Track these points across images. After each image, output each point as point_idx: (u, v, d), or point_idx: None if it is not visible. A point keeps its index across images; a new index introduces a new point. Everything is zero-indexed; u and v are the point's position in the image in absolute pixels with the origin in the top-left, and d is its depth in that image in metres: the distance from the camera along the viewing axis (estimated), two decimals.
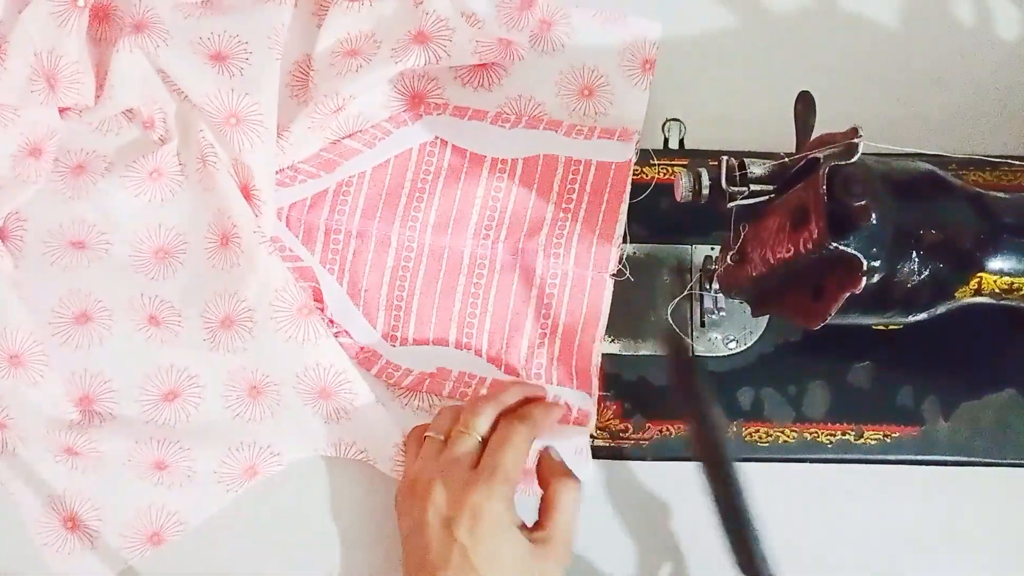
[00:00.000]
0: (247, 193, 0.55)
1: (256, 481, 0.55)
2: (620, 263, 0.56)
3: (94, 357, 0.56)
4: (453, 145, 0.58)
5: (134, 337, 0.56)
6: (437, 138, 0.58)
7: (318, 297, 0.56)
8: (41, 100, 0.55)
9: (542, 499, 0.49)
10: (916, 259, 0.43)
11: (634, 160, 0.56)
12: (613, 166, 0.57)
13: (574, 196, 0.57)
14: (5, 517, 0.55)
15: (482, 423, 0.49)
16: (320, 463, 0.56)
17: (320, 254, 0.57)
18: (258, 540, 0.55)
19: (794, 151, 0.46)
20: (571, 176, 0.57)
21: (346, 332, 0.56)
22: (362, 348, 0.56)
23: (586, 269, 0.56)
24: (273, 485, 0.55)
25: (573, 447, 0.53)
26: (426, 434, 0.51)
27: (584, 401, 0.54)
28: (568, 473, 0.50)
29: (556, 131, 0.58)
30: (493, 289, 0.57)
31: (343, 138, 0.58)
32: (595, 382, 0.54)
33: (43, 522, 0.55)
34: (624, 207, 0.56)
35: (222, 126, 0.55)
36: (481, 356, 0.56)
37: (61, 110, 0.57)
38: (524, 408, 0.51)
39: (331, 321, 0.56)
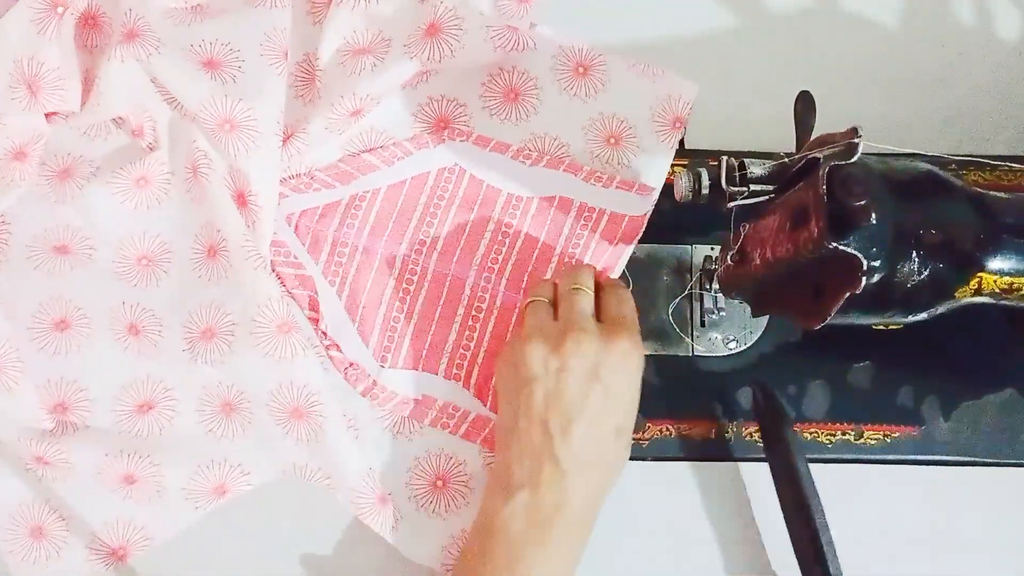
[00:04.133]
0: (243, 200, 0.55)
1: (226, 500, 0.54)
2: None
3: (71, 365, 0.55)
4: (471, 175, 0.58)
5: (113, 346, 0.55)
6: (456, 165, 0.58)
7: (314, 307, 0.56)
8: (23, 107, 0.55)
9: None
10: (916, 259, 0.43)
11: (648, 215, 0.56)
12: (627, 218, 0.56)
13: (581, 242, 0.57)
14: None
15: (591, 281, 0.52)
16: (291, 485, 0.55)
17: (324, 264, 0.57)
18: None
19: (794, 151, 0.46)
20: (583, 222, 0.57)
21: (337, 346, 0.56)
22: (352, 364, 0.55)
23: None
24: (243, 504, 0.55)
25: None
26: (530, 299, 0.52)
27: None
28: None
29: (575, 175, 0.57)
30: (491, 324, 0.56)
31: (362, 152, 0.58)
32: None
33: (9, 529, 0.54)
34: (626, 255, 0.56)
35: (216, 132, 0.55)
36: (468, 389, 0.56)
37: (48, 115, 0.57)
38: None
39: (324, 333, 0.56)
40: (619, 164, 0.57)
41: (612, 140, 0.57)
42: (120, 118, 0.57)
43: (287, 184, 0.57)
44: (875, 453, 0.54)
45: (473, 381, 0.56)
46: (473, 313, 0.56)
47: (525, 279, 0.57)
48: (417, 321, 0.56)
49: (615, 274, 0.56)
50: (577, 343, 0.48)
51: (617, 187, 0.57)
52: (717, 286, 0.53)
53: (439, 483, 0.54)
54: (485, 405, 0.55)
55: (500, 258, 0.57)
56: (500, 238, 0.57)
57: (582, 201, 0.57)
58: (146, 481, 0.54)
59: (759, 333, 0.56)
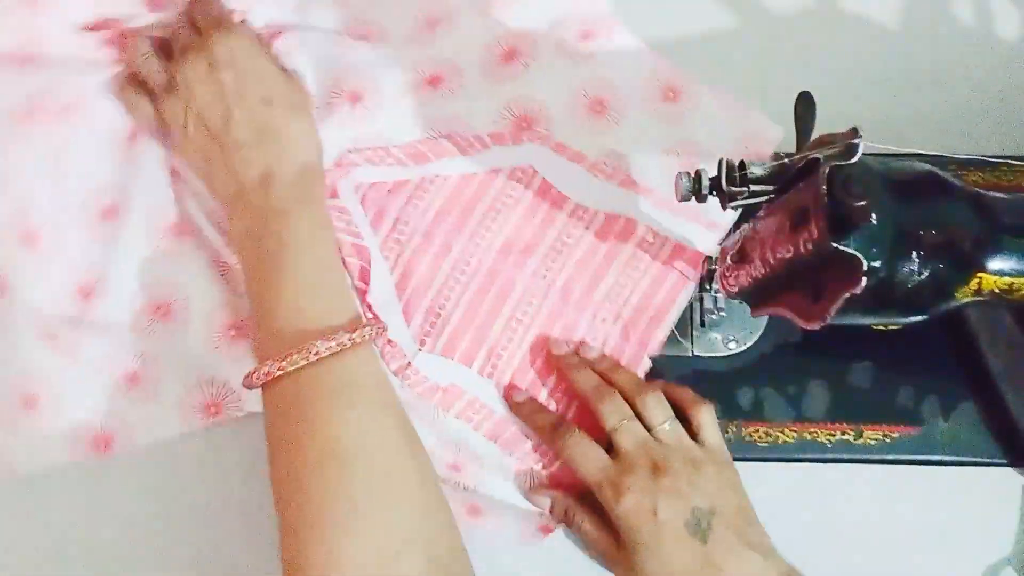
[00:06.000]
0: None
1: (215, 422, 0.55)
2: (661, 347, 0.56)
3: (108, 253, 0.56)
4: (543, 178, 0.58)
5: (151, 244, 0.56)
6: (531, 166, 0.58)
7: (364, 278, 0.55)
8: None
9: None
10: (916, 259, 0.43)
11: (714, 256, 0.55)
12: (689, 250, 0.56)
13: (641, 267, 0.56)
14: None
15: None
16: None
17: (382, 239, 0.57)
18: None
19: (794, 151, 0.46)
20: (646, 246, 0.57)
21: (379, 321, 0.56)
22: (390, 341, 0.55)
23: (627, 343, 0.56)
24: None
25: None
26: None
27: None
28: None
29: (647, 197, 0.57)
30: (533, 329, 0.56)
31: (441, 136, 0.59)
32: None
33: (3, 394, 0.54)
34: (684, 298, 0.56)
35: None
36: (499, 389, 0.56)
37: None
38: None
39: (368, 306, 0.55)
40: None
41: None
42: None
43: (362, 154, 0.58)
44: (875, 453, 0.54)
45: (504, 381, 0.56)
46: (518, 316, 0.56)
47: (576, 291, 0.56)
48: (463, 312, 0.56)
49: (670, 316, 0.56)
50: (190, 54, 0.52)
51: (686, 218, 0.56)
52: (717, 286, 0.53)
53: (452, 470, 0.54)
54: (509, 408, 0.55)
55: (555, 266, 0.57)
56: (559, 246, 0.57)
57: (648, 225, 0.57)
58: (147, 384, 0.55)
59: (759, 333, 0.56)
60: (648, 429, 0.51)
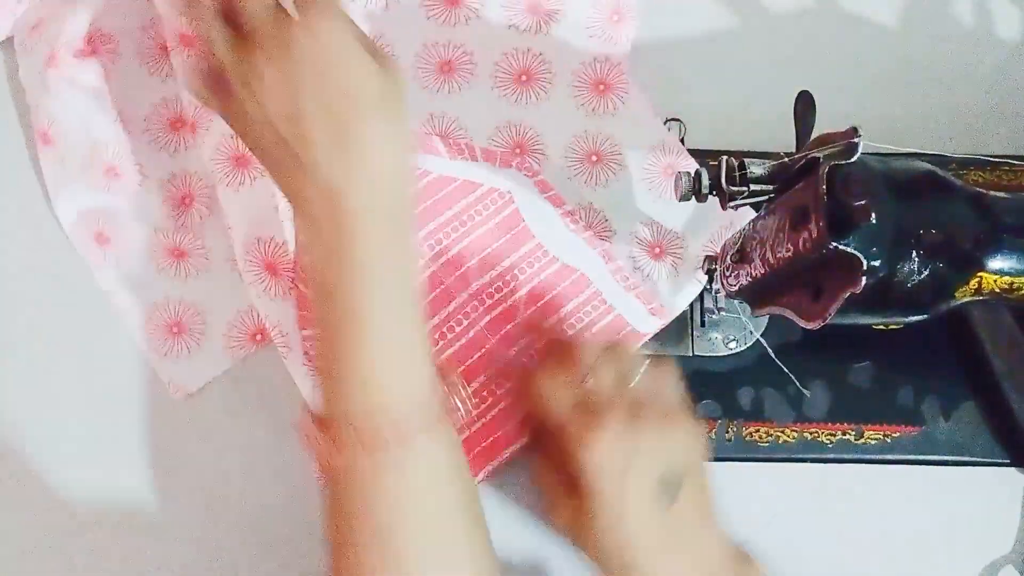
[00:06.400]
0: None
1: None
2: None
3: (191, 159, 0.58)
4: (516, 208, 0.57)
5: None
6: (509, 193, 0.57)
7: None
8: None
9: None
10: (916, 259, 0.43)
11: (648, 337, 0.55)
12: (629, 328, 0.55)
13: (576, 326, 0.56)
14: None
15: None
16: None
17: None
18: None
19: (794, 151, 0.46)
20: (588, 309, 0.56)
21: None
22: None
23: None
24: None
25: None
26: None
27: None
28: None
29: (606, 263, 0.57)
30: (451, 350, 0.55)
31: (434, 133, 0.59)
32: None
33: (148, 329, 0.57)
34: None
35: None
36: None
37: None
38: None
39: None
40: (648, 275, 0.57)
41: (658, 250, 0.57)
42: None
43: None
44: (875, 453, 0.54)
45: None
46: (443, 329, 0.55)
47: (506, 329, 0.55)
48: None
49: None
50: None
51: (636, 296, 0.56)
52: (717, 286, 0.53)
53: None
54: None
55: (496, 296, 0.56)
56: (507, 279, 0.56)
57: (598, 288, 0.56)
58: (281, 276, 0.55)
59: (759, 333, 0.56)
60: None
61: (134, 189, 0.58)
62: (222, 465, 0.55)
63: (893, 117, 0.60)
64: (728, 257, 0.50)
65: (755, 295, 0.50)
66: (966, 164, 0.57)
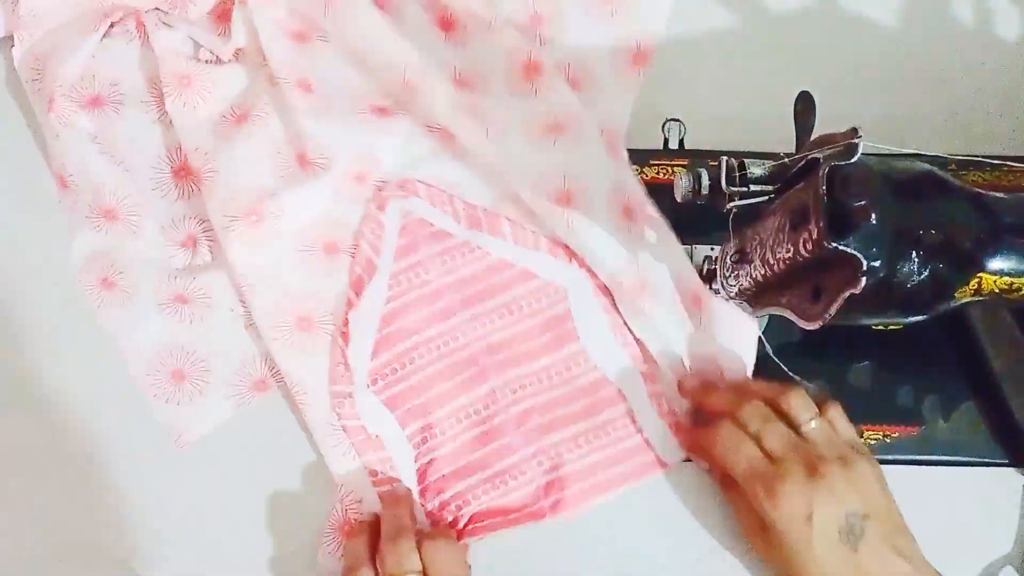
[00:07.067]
0: (304, 160, 0.57)
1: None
2: None
3: (193, 206, 0.58)
4: (569, 308, 0.56)
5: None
6: (566, 290, 0.56)
7: (358, 289, 0.55)
8: None
9: None
10: (916, 259, 0.43)
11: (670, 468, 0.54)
12: (650, 455, 0.54)
13: (607, 438, 0.55)
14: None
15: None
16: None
17: (398, 270, 0.57)
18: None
19: (794, 151, 0.46)
20: (618, 425, 0.55)
21: (346, 337, 0.55)
22: (346, 363, 0.54)
23: (543, 497, 0.54)
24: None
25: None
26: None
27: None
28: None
29: (645, 383, 0.55)
30: (476, 429, 0.55)
31: (504, 215, 0.57)
32: None
33: (151, 375, 0.56)
34: (629, 487, 0.54)
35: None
36: (414, 463, 0.54)
37: None
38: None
39: (347, 319, 0.55)
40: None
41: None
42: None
43: (428, 189, 0.57)
44: (875, 453, 0.54)
45: (423, 461, 0.54)
46: (470, 411, 0.55)
47: (533, 422, 0.55)
48: (425, 377, 0.55)
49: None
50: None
51: (669, 424, 0.55)
52: (717, 286, 0.53)
53: (339, 511, 0.53)
54: (418, 488, 0.54)
55: (530, 390, 0.55)
56: (545, 376, 0.55)
57: (631, 408, 0.55)
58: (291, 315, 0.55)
59: (759, 333, 0.56)
60: (794, 429, 0.49)
61: (134, 233, 0.57)
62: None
63: (893, 117, 0.60)
64: (728, 258, 0.50)
65: (755, 296, 0.50)
66: (966, 164, 0.57)
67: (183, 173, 0.58)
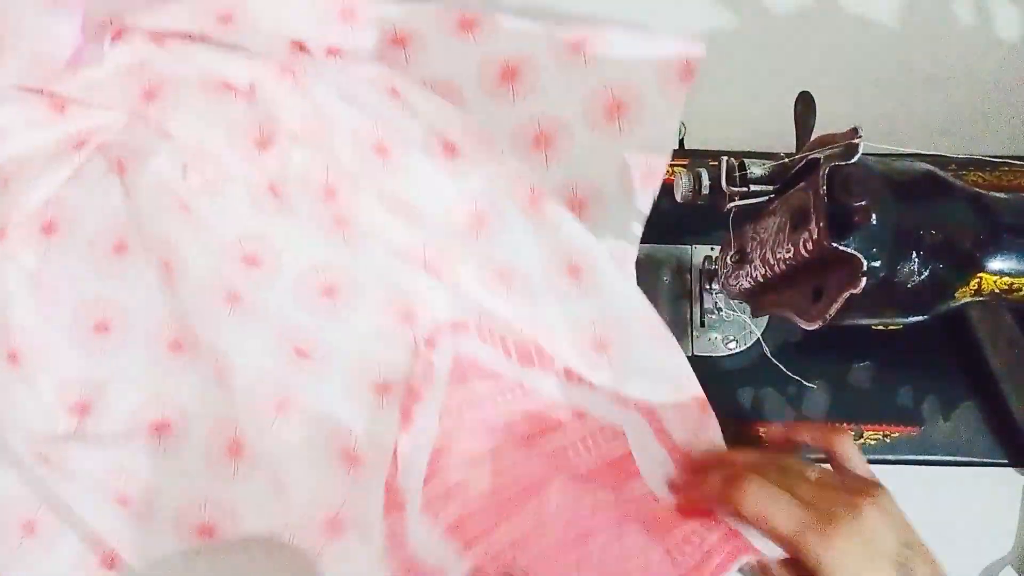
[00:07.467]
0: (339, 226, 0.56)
1: (209, 544, 0.53)
2: None
3: (104, 367, 0.55)
4: (629, 451, 0.52)
5: (149, 356, 0.55)
6: (623, 430, 0.52)
7: (406, 417, 0.52)
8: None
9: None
10: (916, 259, 0.43)
11: None
12: None
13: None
14: None
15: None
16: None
17: (450, 403, 0.54)
18: None
19: (794, 151, 0.46)
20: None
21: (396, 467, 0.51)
22: (395, 482, 0.51)
23: None
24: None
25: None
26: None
27: None
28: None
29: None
30: (525, 557, 0.49)
31: (572, 372, 0.54)
32: None
33: (2, 521, 0.54)
34: None
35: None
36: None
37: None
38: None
39: (396, 451, 0.51)
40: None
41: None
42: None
43: (481, 326, 0.55)
44: (875, 453, 0.54)
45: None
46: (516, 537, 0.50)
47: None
48: (480, 501, 0.51)
49: None
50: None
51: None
52: (717, 286, 0.53)
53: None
54: None
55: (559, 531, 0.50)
56: (599, 525, 0.49)
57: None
58: (137, 504, 0.53)
59: (759, 333, 0.56)
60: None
61: (25, 381, 0.54)
62: None
63: (893, 117, 0.60)
64: (728, 258, 0.50)
65: (755, 296, 0.50)
66: (966, 164, 0.57)
67: (101, 328, 0.55)
